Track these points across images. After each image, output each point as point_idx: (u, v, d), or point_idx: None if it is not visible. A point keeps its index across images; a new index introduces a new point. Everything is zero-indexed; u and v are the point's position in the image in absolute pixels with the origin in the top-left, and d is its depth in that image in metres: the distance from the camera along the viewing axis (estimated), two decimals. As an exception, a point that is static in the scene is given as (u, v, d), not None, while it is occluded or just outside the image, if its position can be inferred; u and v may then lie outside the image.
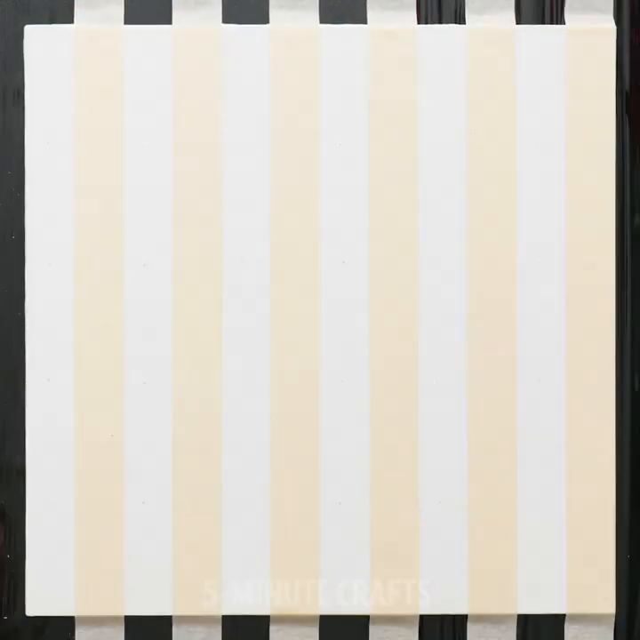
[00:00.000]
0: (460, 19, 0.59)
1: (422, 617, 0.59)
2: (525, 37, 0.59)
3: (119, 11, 0.59)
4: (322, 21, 0.59)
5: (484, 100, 0.59)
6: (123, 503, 0.58)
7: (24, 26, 0.59)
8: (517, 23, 0.59)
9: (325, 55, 0.59)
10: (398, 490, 0.58)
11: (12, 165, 0.59)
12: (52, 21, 0.59)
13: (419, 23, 0.59)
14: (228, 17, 0.59)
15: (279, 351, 0.58)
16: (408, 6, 0.59)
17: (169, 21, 0.59)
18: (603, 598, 0.59)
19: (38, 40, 0.58)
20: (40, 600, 0.58)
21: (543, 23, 0.59)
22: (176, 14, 0.59)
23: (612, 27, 0.59)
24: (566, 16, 0.59)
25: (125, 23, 0.59)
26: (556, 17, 0.59)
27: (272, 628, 0.59)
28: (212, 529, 0.58)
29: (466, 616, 0.59)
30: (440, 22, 0.59)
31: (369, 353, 0.59)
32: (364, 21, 0.59)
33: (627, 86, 0.59)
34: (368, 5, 0.59)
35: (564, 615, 0.59)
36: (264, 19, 0.59)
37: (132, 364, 0.58)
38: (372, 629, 0.59)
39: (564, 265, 0.59)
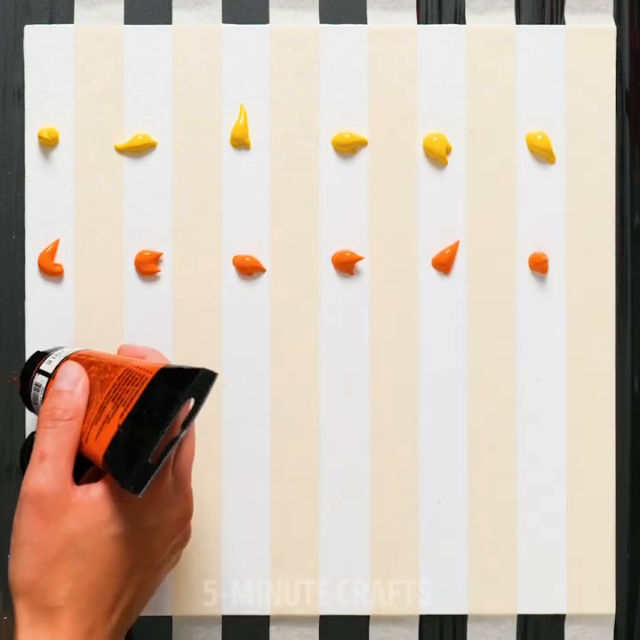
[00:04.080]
0: (460, 19, 0.59)
1: (422, 617, 0.59)
2: (525, 37, 0.59)
3: (119, 10, 0.59)
4: (322, 21, 0.59)
5: (484, 99, 0.59)
6: (123, 503, 0.58)
7: (24, 26, 0.59)
8: (517, 23, 0.59)
9: (325, 55, 0.59)
10: (398, 490, 0.58)
11: (12, 165, 0.59)
12: (51, 21, 0.59)
13: (419, 23, 0.59)
14: (228, 17, 0.59)
15: (280, 352, 0.58)
16: (408, 6, 0.59)
17: (169, 21, 0.59)
18: (603, 598, 0.59)
19: (38, 40, 0.58)
20: (40, 600, 0.58)
21: (543, 23, 0.59)
22: (176, 14, 0.59)
23: (612, 27, 0.59)
24: (566, 16, 0.59)
25: (125, 23, 0.59)
26: (556, 17, 0.59)
27: (272, 628, 0.59)
28: (212, 529, 0.58)
29: (466, 616, 0.59)
30: (440, 22, 0.59)
31: (369, 353, 0.59)
32: (364, 21, 0.59)
33: (627, 86, 0.59)
34: (368, 5, 0.59)
35: (564, 615, 0.59)
36: (264, 19, 0.59)
37: (131, 364, 0.58)
38: (371, 629, 0.59)
39: (564, 265, 0.59)
